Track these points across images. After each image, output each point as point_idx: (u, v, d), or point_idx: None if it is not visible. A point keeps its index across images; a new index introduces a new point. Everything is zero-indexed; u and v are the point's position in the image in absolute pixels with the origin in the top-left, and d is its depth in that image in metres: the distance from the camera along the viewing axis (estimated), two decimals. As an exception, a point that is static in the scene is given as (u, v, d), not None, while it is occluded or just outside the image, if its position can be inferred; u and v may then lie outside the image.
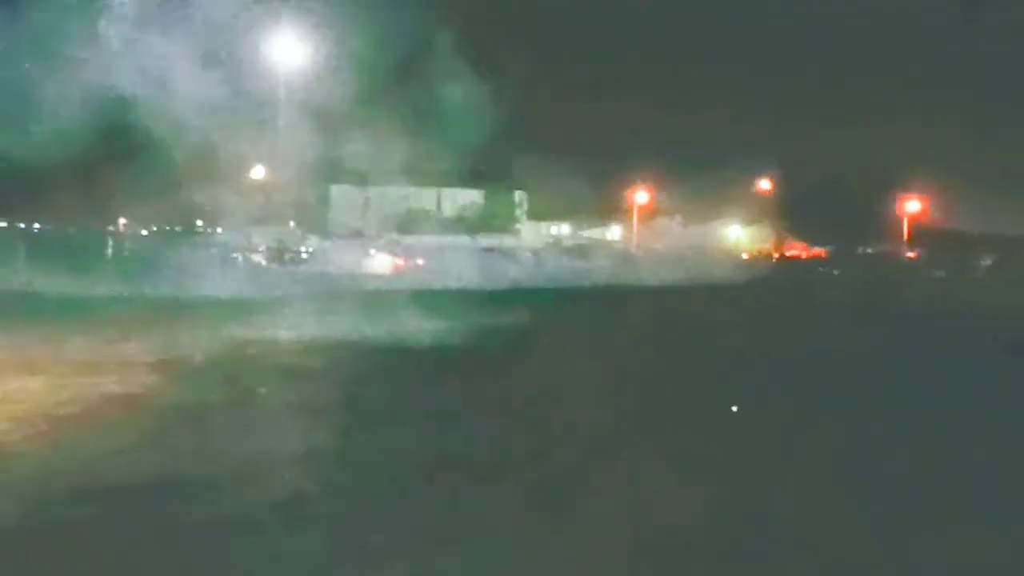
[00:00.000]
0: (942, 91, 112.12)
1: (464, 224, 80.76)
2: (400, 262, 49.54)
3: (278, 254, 49.98)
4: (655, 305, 29.85)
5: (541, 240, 78.17)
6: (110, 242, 51.76)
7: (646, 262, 59.42)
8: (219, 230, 63.72)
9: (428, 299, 27.83)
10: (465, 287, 36.26)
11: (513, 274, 47.11)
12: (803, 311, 29.86)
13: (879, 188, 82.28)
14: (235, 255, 50.06)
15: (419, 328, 20.44)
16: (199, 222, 66.81)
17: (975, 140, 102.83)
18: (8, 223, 59.82)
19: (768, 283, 44.73)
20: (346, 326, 20.11)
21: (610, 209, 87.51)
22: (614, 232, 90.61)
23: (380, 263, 48.73)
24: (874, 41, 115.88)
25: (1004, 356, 18.79)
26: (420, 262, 50.00)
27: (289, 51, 51.73)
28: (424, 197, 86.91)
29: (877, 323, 24.94)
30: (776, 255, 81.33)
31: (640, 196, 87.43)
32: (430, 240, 63.12)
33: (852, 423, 11.44)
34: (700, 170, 71.91)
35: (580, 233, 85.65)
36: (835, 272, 59.85)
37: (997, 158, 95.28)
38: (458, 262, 49.77)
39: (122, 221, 70.05)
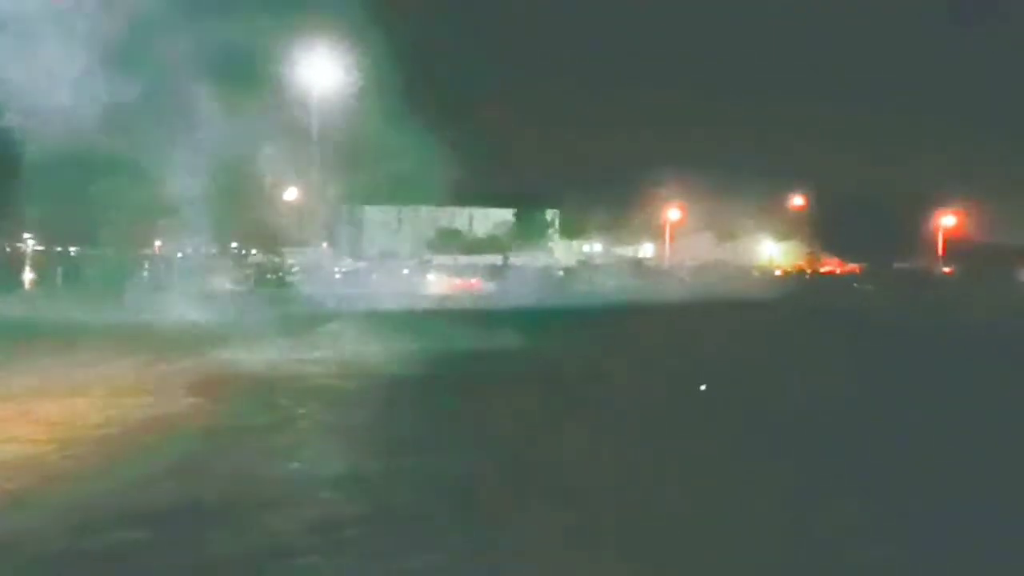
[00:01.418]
0: (976, 105, 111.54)
1: (496, 243, 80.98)
2: (457, 282, 49.64)
3: (311, 275, 50.13)
4: (693, 327, 29.55)
5: (573, 258, 78.10)
6: (146, 265, 52.09)
7: (681, 280, 59.22)
8: (254, 252, 64.18)
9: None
10: (526, 306, 36.51)
11: (562, 292, 47.47)
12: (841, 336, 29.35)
13: (914, 203, 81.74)
14: (270, 276, 50.36)
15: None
16: (234, 244, 67.25)
17: (1011, 152, 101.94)
18: (45, 247, 60.45)
19: (802, 302, 44.39)
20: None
21: (642, 227, 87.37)
22: (646, 250, 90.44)
23: (435, 283, 48.77)
24: (908, 57, 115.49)
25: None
26: (474, 281, 50.19)
27: (322, 74, 52.08)
28: (456, 216, 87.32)
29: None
30: (810, 271, 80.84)
31: (672, 213, 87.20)
32: (470, 259, 63.39)
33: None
34: (733, 187, 71.65)
35: (612, 251, 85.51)
36: (869, 288, 59.30)
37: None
38: (505, 281, 50.05)
39: (157, 243, 70.65)
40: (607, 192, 75.14)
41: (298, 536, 7.28)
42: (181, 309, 28.01)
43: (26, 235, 61.50)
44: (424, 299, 39.05)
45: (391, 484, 8.93)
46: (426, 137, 51.88)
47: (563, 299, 41.47)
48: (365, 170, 57.03)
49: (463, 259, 64.03)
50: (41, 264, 49.85)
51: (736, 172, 72.46)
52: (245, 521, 7.62)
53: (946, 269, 77.44)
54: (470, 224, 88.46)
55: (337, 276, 52.14)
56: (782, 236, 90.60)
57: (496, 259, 66.62)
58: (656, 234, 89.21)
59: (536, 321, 29.30)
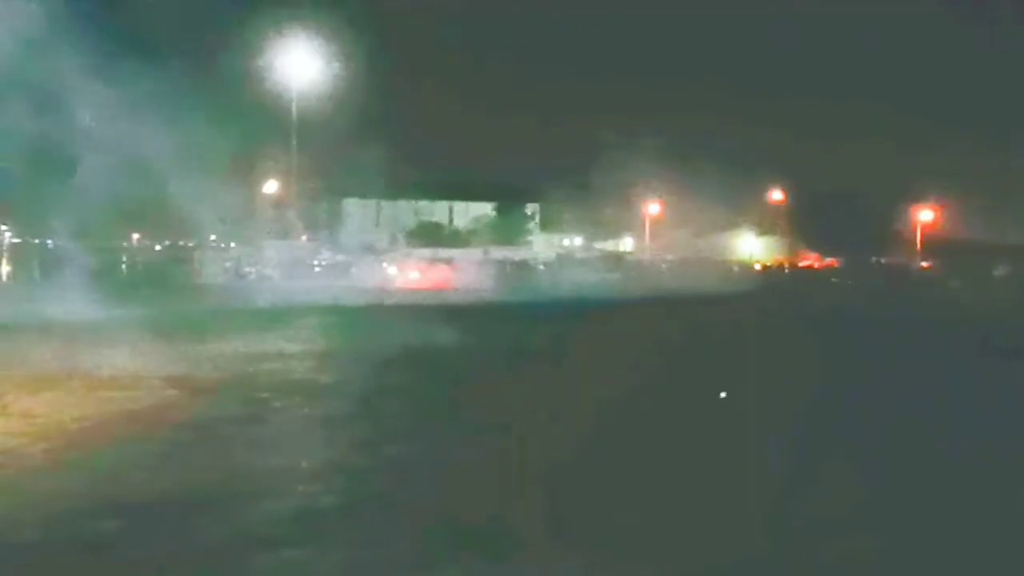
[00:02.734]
0: (955, 102, 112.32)
1: (477, 236, 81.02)
2: (416, 276, 48.75)
3: (290, 268, 49.97)
4: (670, 324, 29.57)
5: (553, 252, 78.13)
6: (124, 258, 51.83)
7: (661, 274, 59.43)
8: (232, 244, 63.92)
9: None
10: (502, 300, 36.63)
11: (540, 285, 47.51)
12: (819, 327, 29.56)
13: (892, 198, 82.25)
14: (248, 269, 50.19)
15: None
16: (212, 236, 66.96)
17: (988, 149, 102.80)
18: (22, 239, 59.90)
19: (780, 295, 44.71)
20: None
21: (623, 221, 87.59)
22: (627, 243, 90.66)
23: (409, 276, 48.31)
24: (889, 55, 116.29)
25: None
26: (441, 274, 49.62)
27: (301, 67, 52.01)
28: (436, 210, 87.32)
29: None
30: (789, 265, 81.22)
31: (652, 208, 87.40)
32: (450, 252, 63.29)
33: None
34: (713, 181, 71.83)
35: (593, 245, 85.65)
36: (848, 282, 59.66)
37: (1010, 166, 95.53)
38: (481, 273, 49.93)
39: (135, 236, 70.26)
40: (588, 186, 75.14)
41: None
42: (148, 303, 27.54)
43: (3, 227, 61.01)
44: (397, 294, 38.97)
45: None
46: (406, 131, 51.88)
47: (537, 293, 41.49)
48: (344, 163, 56.95)
49: (443, 252, 63.87)
50: (19, 256, 49.36)
51: (716, 167, 72.66)
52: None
53: (924, 264, 77.92)
54: (450, 217, 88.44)
55: (317, 269, 51.99)
56: (762, 231, 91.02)
57: (475, 252, 66.56)
58: (636, 228, 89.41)
59: (498, 318, 29.33)
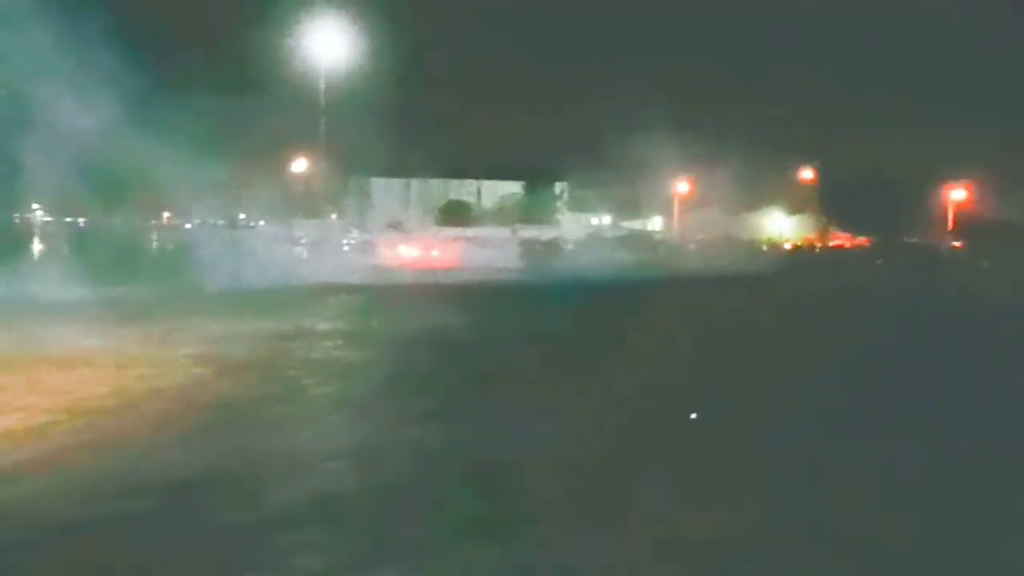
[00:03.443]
0: (987, 81, 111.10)
1: (504, 215, 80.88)
2: (409, 254, 48.08)
3: (320, 246, 50.04)
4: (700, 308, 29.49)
5: (582, 231, 77.72)
6: (155, 236, 52.16)
7: (689, 253, 59.17)
8: (262, 223, 64.20)
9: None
10: (528, 280, 36.65)
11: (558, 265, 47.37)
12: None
13: (924, 177, 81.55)
14: (278, 247, 50.25)
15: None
16: (241, 215, 67.35)
17: (1008, 134, 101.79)
18: (53, 217, 60.44)
19: (807, 276, 44.62)
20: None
21: (652, 200, 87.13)
22: (655, 223, 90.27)
23: (420, 254, 48.00)
24: (920, 31, 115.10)
25: None
26: (465, 252, 49.04)
27: (331, 45, 51.96)
28: (464, 189, 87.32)
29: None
30: (819, 245, 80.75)
31: (681, 186, 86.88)
32: (478, 231, 63.19)
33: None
34: (743, 160, 71.38)
35: (621, 224, 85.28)
36: (879, 263, 59.24)
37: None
38: (508, 251, 49.72)
39: (166, 215, 70.79)
40: (615, 165, 74.77)
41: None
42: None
43: (34, 206, 61.59)
44: (417, 272, 38.88)
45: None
46: (435, 109, 51.89)
47: (564, 272, 41.29)
48: (373, 143, 56.92)
49: (471, 231, 63.79)
50: (50, 235, 49.79)
51: (747, 146, 72.22)
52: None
53: (955, 244, 77.23)
54: (479, 197, 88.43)
55: (345, 248, 52.01)
56: (792, 209, 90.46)
57: (503, 231, 66.36)
58: (665, 207, 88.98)
59: (524, 299, 29.23)
